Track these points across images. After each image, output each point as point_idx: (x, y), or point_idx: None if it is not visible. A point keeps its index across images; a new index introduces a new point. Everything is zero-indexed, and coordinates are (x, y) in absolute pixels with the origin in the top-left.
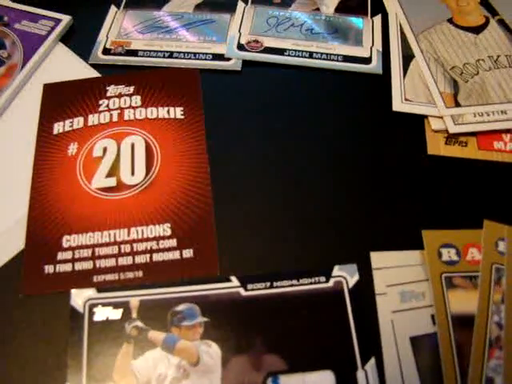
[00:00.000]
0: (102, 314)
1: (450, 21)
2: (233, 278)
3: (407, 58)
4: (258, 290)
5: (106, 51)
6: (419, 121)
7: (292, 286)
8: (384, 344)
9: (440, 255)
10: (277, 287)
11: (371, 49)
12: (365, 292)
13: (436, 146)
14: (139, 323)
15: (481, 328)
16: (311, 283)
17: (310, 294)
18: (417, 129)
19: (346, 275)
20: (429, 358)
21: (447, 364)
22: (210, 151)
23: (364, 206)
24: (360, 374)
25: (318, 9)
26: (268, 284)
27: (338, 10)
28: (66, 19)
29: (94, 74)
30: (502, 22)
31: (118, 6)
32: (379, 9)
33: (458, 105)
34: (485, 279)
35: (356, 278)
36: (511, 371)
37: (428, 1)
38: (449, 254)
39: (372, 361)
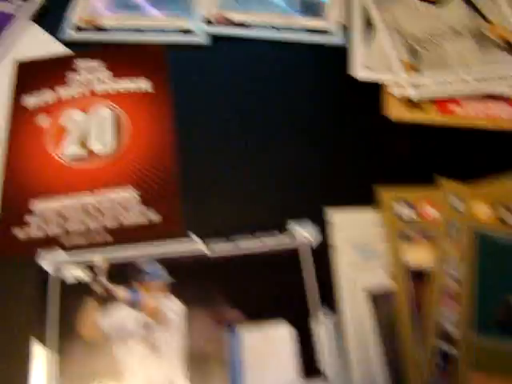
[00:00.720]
0: (70, 274)
1: None
2: (195, 238)
3: (369, 29)
4: (220, 248)
5: (76, 29)
6: (379, 87)
7: (250, 241)
8: (341, 296)
9: (395, 211)
10: (235, 243)
11: (334, 22)
12: (320, 246)
13: (396, 111)
14: (105, 281)
15: (435, 280)
16: (269, 239)
17: (269, 251)
18: (376, 95)
19: (303, 231)
20: (384, 307)
21: (402, 316)
22: (178, 121)
23: (323, 166)
24: (316, 325)
25: None
26: (227, 240)
27: None
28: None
29: (65, 50)
30: None
31: None
32: None
33: (417, 72)
34: (440, 234)
35: (313, 234)
36: (465, 320)
37: None
38: (404, 210)
39: (327, 312)
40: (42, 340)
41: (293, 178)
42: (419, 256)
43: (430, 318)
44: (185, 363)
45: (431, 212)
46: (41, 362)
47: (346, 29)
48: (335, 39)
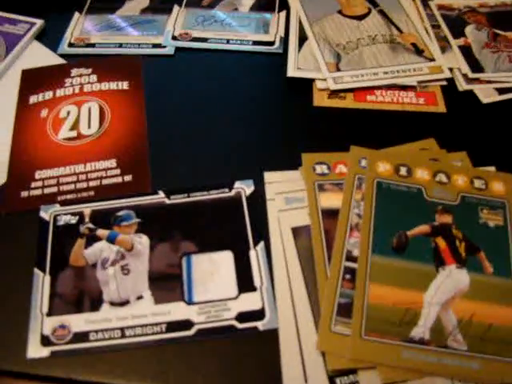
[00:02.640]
0: (62, 220)
1: (340, 12)
2: (160, 192)
3: (302, 39)
4: (178, 199)
5: (70, 45)
6: (309, 84)
7: (203, 195)
8: (271, 233)
9: (314, 169)
10: (192, 197)
11: (275, 35)
12: (258, 199)
13: (320, 100)
14: (90, 225)
15: (344, 216)
16: (218, 193)
17: (216, 201)
18: (306, 89)
19: (244, 187)
20: (305, 241)
21: (317, 244)
22: (148, 109)
23: (261, 140)
24: (252, 253)
25: (236, 9)
26: (186, 195)
27: (252, 8)
28: (39, 22)
29: (62, 61)
30: (381, 12)
31: (81, 12)
32: (284, 6)
33: (339, 70)
34: (349, 184)
35: (252, 189)
36: (365, 245)
37: None
38: (321, 169)
39: (261, 244)
40: (41, 268)
41: (239, 150)
42: (331, 200)
43: (338, 244)
44: (149, 280)
45: (343, 169)
46: (39, 283)
47: (284, 40)
48: (275, 48)
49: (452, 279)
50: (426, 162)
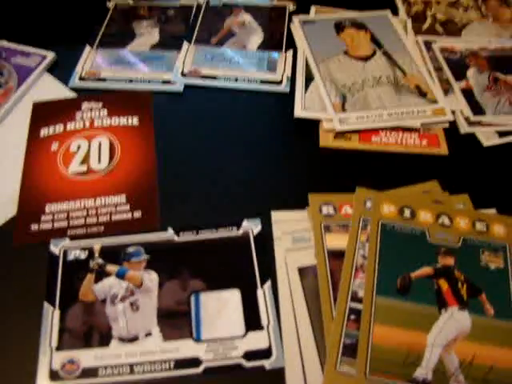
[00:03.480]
0: (72, 255)
1: (345, 53)
2: (169, 229)
3: (309, 80)
4: (187, 236)
5: (81, 79)
6: (315, 124)
7: (212, 233)
8: (278, 272)
9: (321, 210)
10: (201, 234)
11: (282, 74)
12: (265, 238)
13: (326, 141)
14: (100, 260)
15: (350, 257)
16: (226, 232)
17: (225, 239)
18: (313, 130)
19: (252, 226)
20: (311, 281)
21: (323, 284)
22: (158, 146)
23: (268, 179)
24: (259, 291)
25: (244, 47)
26: (195, 232)
27: (260, 47)
28: (50, 55)
29: (73, 95)
30: (385, 53)
31: (92, 46)
32: (291, 45)
33: (344, 111)
34: (355, 225)
35: (259, 228)
36: (369, 286)
37: (329, 39)
38: (327, 210)
39: (268, 283)
40: (51, 302)
41: (247, 189)
42: (337, 241)
43: (343, 285)
44: (158, 317)
45: (348, 210)
46: (49, 318)
47: (291, 80)
48: (283, 88)
49: (454, 321)
50: (430, 204)
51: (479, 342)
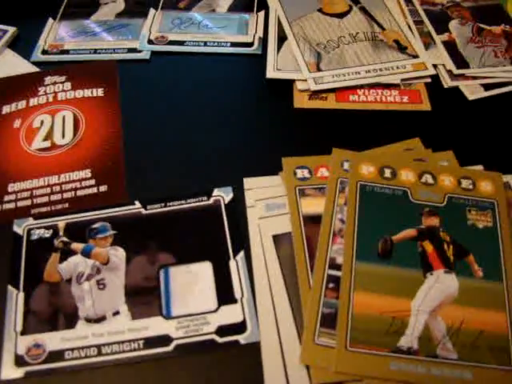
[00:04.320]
0: (36, 234)
1: (320, 10)
2: (136, 202)
3: (282, 40)
4: (155, 209)
5: (44, 52)
6: (289, 85)
7: (181, 204)
8: (252, 241)
9: (295, 174)
10: (169, 206)
11: (254, 36)
12: (238, 206)
13: (301, 102)
14: (65, 238)
15: (327, 222)
16: (196, 202)
17: (194, 210)
18: (286, 91)
19: (223, 194)
20: (287, 249)
21: (298, 252)
22: (124, 116)
23: (240, 145)
24: (232, 263)
25: (214, 10)
26: (163, 204)
27: (230, 9)
28: (11, 30)
29: (35, 69)
30: (362, 9)
31: (55, 18)
32: (263, 6)
33: (319, 70)
34: (332, 188)
35: (231, 196)
36: (349, 252)
37: None
38: (302, 173)
39: (242, 253)
40: (15, 284)
41: (218, 156)
42: (313, 206)
43: (321, 251)
44: (126, 295)
45: (325, 173)
46: (13, 301)
47: (263, 41)
48: (254, 49)
49: (440, 285)
50: (411, 162)
51: (468, 305)
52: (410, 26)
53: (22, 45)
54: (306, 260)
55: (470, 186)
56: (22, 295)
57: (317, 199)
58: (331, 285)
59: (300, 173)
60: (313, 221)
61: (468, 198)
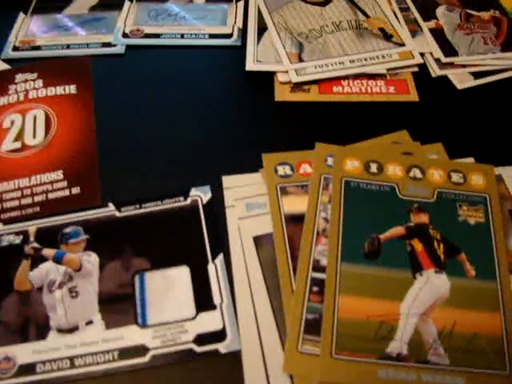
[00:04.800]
0: (6, 240)
1: None
2: (110, 204)
3: (262, 30)
4: (130, 211)
5: (15, 48)
6: (270, 77)
7: (157, 206)
8: (231, 243)
9: (276, 171)
10: (145, 208)
11: (233, 26)
12: (216, 206)
13: (282, 94)
14: (35, 244)
15: (310, 222)
16: (172, 203)
17: (171, 211)
18: (267, 84)
19: (200, 194)
20: (268, 251)
21: (280, 254)
22: (98, 114)
23: (218, 141)
24: (210, 267)
25: (191, 0)
26: (138, 206)
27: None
28: None
29: (6, 66)
30: None
31: (26, 13)
32: None
33: (301, 61)
34: (315, 185)
35: (209, 196)
36: (333, 252)
37: None
38: (284, 170)
39: (221, 256)
40: None
41: (195, 153)
42: (295, 204)
43: (303, 253)
44: (99, 303)
45: (308, 169)
46: None
47: (242, 32)
48: (233, 41)
49: (430, 286)
50: (399, 156)
51: (460, 307)
52: (395, 13)
53: None
54: (289, 262)
55: (461, 180)
56: None
57: (299, 197)
58: (315, 288)
59: (281, 170)
60: (295, 220)
61: (459, 193)
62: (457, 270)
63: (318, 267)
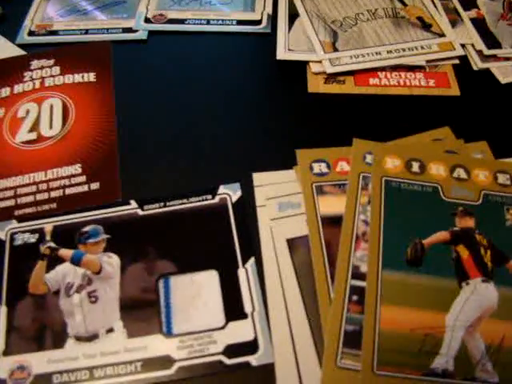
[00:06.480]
0: (20, 239)
1: None
2: (132, 202)
3: (293, 17)
4: (153, 209)
5: (31, 33)
6: (302, 67)
7: (182, 204)
8: (263, 246)
9: (311, 169)
10: (169, 206)
11: (262, 13)
12: (247, 205)
13: (315, 86)
14: (52, 244)
15: (348, 225)
16: (200, 201)
17: (197, 210)
18: (299, 74)
19: (229, 192)
20: (303, 255)
21: (317, 258)
22: (119, 105)
23: (248, 135)
24: (241, 271)
25: None
26: (162, 204)
27: None
28: None
29: (21, 52)
30: None
31: None
32: None
33: (336, 50)
34: (353, 184)
35: (239, 194)
36: (374, 259)
37: None
38: (320, 168)
39: (252, 260)
40: None
41: (224, 149)
42: (333, 205)
43: (342, 258)
44: (121, 309)
45: (345, 167)
46: None
47: (272, 19)
48: (262, 28)
49: (477, 295)
50: (442, 155)
51: (509, 319)
52: (434, 2)
53: (7, 25)
54: (326, 268)
55: (508, 182)
56: (4, 310)
57: (336, 197)
58: (354, 297)
59: (317, 167)
60: (332, 222)
61: (506, 196)
62: (505, 279)
63: (357, 274)
